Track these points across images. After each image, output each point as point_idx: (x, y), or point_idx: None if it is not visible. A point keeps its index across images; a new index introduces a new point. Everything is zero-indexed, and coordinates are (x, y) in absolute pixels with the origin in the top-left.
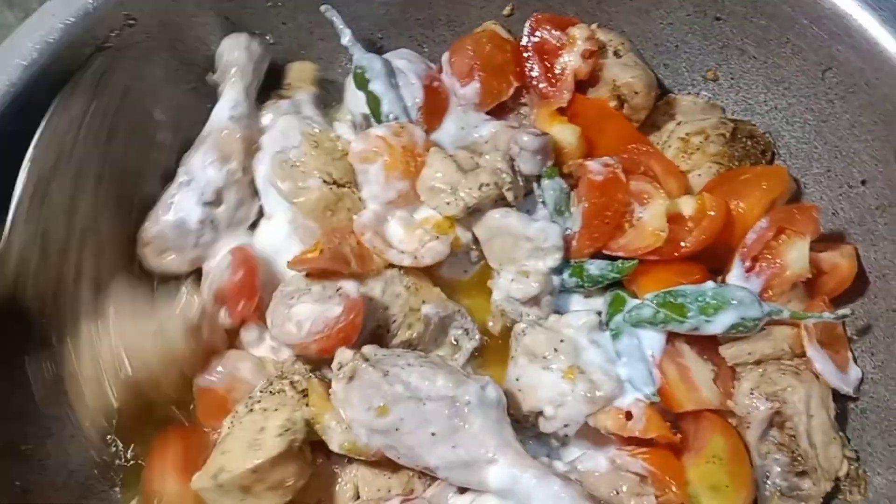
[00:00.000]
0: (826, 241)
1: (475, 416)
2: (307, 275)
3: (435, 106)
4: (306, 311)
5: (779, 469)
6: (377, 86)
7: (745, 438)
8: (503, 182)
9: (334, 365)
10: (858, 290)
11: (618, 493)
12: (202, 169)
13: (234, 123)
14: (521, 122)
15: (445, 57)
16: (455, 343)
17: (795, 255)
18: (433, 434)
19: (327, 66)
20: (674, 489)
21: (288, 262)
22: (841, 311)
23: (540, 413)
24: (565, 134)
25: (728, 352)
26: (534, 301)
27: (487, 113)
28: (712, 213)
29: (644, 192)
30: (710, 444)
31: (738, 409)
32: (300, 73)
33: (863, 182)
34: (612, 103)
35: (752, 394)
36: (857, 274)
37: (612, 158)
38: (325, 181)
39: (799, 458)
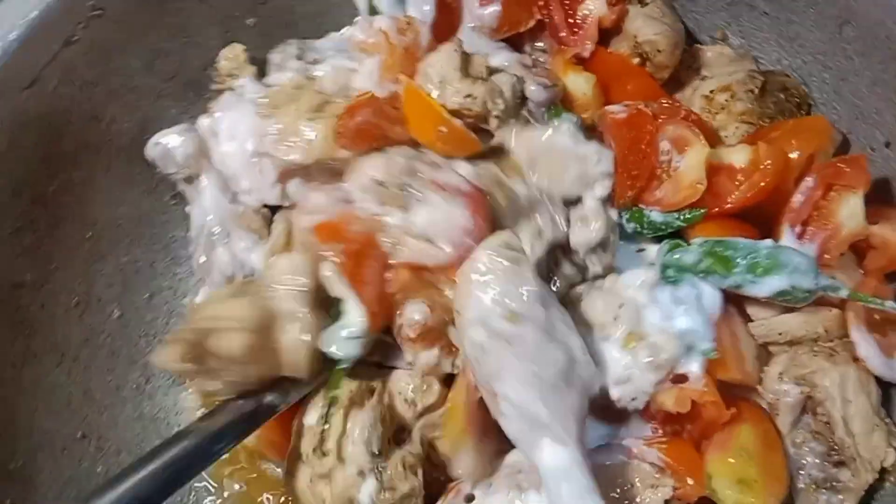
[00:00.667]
0: (871, 205)
1: (576, 393)
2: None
3: (446, 23)
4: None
5: (815, 459)
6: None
7: (777, 426)
8: (494, 107)
9: (494, 238)
10: None
11: (632, 485)
12: (250, 254)
13: (239, 201)
14: (537, 60)
15: None
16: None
17: (848, 213)
18: (534, 373)
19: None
20: (690, 482)
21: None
22: None
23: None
24: (579, 83)
25: (758, 330)
26: (601, 247)
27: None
28: (768, 163)
29: (683, 137)
30: (738, 436)
31: (768, 396)
32: (232, 58)
33: (887, 144)
34: (635, 60)
35: (781, 378)
36: None
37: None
38: (309, 119)
39: (835, 447)
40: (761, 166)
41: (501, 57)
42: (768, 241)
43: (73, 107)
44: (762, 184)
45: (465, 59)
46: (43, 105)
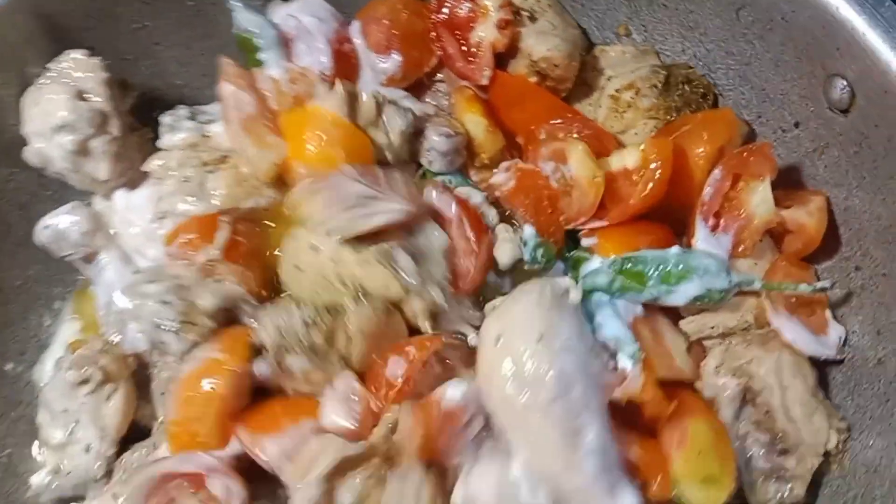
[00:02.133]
0: (787, 188)
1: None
2: None
3: (344, 73)
4: None
5: (760, 450)
6: (269, 57)
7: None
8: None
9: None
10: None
11: None
12: None
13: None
14: (440, 101)
15: (356, 26)
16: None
17: (758, 201)
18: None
19: (213, 83)
20: (655, 485)
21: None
22: (819, 284)
23: None
24: (472, 126)
25: (689, 326)
26: None
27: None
28: (656, 155)
29: (558, 149)
30: (692, 434)
31: (707, 391)
32: None
33: (796, 125)
34: (533, 79)
35: (717, 371)
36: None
37: (509, 161)
38: (209, 172)
39: (779, 436)
40: (652, 162)
41: (406, 104)
42: (675, 248)
43: None
44: (656, 176)
45: (352, 104)
46: None
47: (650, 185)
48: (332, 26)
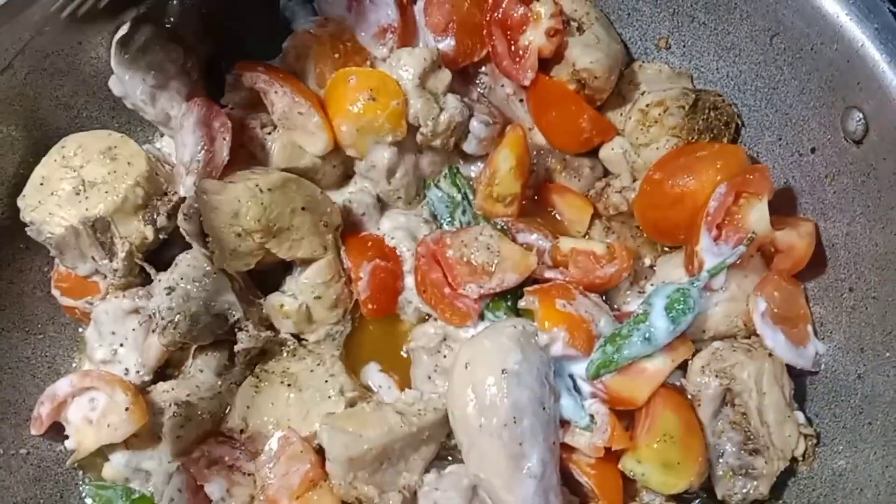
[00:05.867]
0: (780, 213)
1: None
2: None
3: (405, 37)
4: None
5: (732, 448)
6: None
7: (699, 417)
8: (423, 126)
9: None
10: (810, 261)
11: None
12: None
13: None
14: (481, 95)
15: (420, 6)
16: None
17: (756, 217)
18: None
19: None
20: None
21: None
22: (740, 248)
23: None
24: (501, 161)
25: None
26: None
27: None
28: (621, 261)
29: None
30: (662, 421)
31: (690, 388)
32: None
33: (812, 150)
34: (573, 86)
35: (703, 371)
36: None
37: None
38: None
39: (751, 437)
40: (616, 259)
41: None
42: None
43: (44, 94)
44: (615, 270)
45: (432, 69)
46: (13, 92)
47: (611, 273)
48: None
